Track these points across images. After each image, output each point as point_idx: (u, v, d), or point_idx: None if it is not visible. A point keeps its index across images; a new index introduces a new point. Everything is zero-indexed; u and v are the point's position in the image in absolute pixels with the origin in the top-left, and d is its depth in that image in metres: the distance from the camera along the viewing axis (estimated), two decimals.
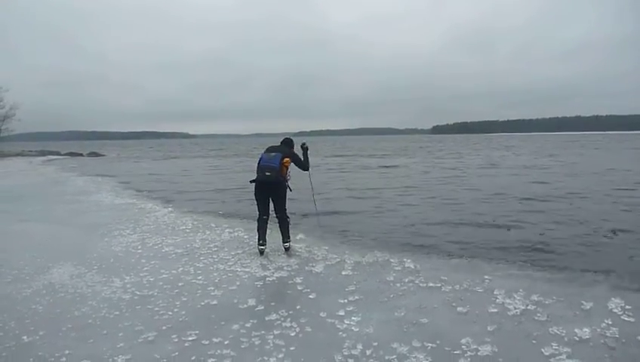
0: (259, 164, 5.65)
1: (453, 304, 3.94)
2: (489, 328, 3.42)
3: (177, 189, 14.52)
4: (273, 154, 5.63)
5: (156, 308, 3.91)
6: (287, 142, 6.10)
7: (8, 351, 3.16)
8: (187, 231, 7.28)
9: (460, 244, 6.50)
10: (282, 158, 5.58)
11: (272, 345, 3.20)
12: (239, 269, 5.09)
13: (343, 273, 4.91)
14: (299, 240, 6.49)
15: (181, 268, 5.13)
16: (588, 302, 3.88)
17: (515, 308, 3.79)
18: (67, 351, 3.12)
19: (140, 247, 6.15)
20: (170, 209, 9.75)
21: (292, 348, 3.14)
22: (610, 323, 3.46)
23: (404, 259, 5.34)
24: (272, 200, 5.71)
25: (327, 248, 6.03)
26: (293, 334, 3.38)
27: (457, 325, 3.50)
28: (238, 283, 4.63)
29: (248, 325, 3.53)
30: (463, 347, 3.11)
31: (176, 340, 3.29)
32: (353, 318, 3.63)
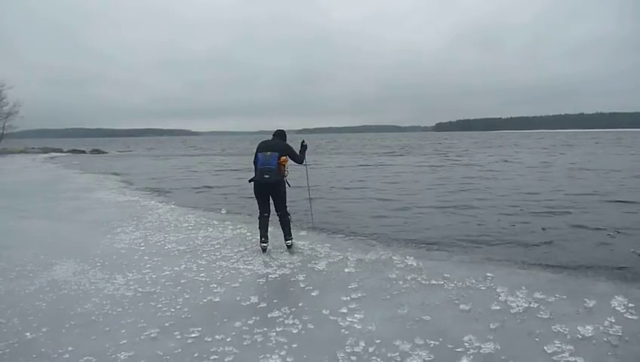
0: (256, 165, 5.59)
1: (456, 301, 3.94)
2: (492, 326, 3.41)
3: (180, 186, 14.54)
4: (269, 153, 5.51)
5: (159, 305, 3.93)
6: (280, 134, 5.99)
7: (12, 347, 3.17)
8: (189, 228, 7.29)
9: (463, 242, 6.49)
10: (279, 158, 5.49)
11: (274, 342, 3.21)
12: (242, 266, 5.10)
13: (346, 270, 4.91)
14: (301, 237, 6.49)
15: (184, 265, 5.14)
16: (591, 299, 3.86)
17: (518, 306, 3.78)
18: (70, 348, 3.13)
19: (142, 244, 6.16)
20: (172, 206, 9.77)
21: (294, 345, 3.14)
22: (613, 321, 3.44)
23: (407, 257, 5.34)
24: (272, 199, 5.71)
25: (329, 246, 6.03)
26: (295, 331, 3.38)
27: (460, 322, 3.50)
28: (240, 280, 4.64)
29: (251, 322, 3.54)
30: (465, 344, 3.11)
31: (178, 337, 3.30)
32: (356, 316, 3.63)
